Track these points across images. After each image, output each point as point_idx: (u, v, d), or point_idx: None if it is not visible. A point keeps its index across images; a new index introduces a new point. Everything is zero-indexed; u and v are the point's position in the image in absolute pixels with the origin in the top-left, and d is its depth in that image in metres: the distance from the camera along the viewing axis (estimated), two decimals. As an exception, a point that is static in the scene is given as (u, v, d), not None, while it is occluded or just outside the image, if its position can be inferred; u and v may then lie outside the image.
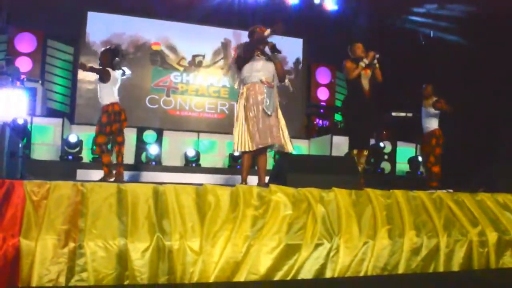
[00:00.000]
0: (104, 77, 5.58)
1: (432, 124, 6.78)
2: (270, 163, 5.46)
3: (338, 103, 12.12)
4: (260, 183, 4.53)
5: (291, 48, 11.34)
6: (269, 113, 4.59)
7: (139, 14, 10.55)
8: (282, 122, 4.77)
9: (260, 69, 4.68)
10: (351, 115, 5.76)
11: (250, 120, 4.59)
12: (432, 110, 6.71)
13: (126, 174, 7.94)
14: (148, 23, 10.70)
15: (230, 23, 10.71)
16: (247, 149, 4.60)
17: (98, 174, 6.24)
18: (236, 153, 5.00)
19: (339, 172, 4.24)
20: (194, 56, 10.98)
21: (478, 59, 8.65)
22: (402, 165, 9.64)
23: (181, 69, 10.86)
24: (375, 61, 5.52)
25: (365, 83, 5.61)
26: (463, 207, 4.02)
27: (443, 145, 6.73)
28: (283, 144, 4.69)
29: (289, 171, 3.98)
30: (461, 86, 8.94)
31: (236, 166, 8.75)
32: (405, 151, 9.76)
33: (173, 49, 10.87)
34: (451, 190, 4.49)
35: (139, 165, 8.33)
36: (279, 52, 4.71)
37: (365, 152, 5.66)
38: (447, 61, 9.41)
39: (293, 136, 10.05)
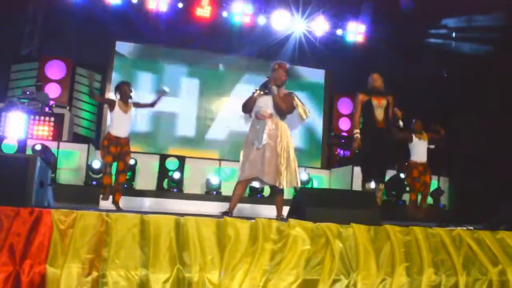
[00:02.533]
0: (109, 107, 6.36)
1: None
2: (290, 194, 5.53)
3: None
4: (278, 217, 4.64)
5: (314, 78, 11.50)
6: (256, 146, 4.74)
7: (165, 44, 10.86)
8: (284, 156, 4.82)
9: (262, 105, 4.92)
10: (361, 147, 5.78)
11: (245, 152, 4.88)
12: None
13: (148, 201, 8.12)
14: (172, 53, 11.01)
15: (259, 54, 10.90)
16: (239, 179, 4.88)
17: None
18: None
19: (358, 207, 4.29)
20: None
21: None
22: (425, 198, 9.59)
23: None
24: (399, 122, 5.56)
25: (379, 113, 5.61)
26: (483, 246, 4.00)
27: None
28: (275, 179, 4.77)
29: (308, 205, 4.04)
30: (484, 115, 8.95)
31: (256, 195, 8.84)
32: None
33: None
34: (471, 228, 4.48)
35: (161, 192, 8.45)
36: (270, 86, 4.88)
37: (381, 186, 5.67)
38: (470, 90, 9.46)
39: (314, 166, 10.23)
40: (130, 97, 6.38)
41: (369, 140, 5.54)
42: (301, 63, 11.51)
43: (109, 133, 6.36)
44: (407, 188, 9.21)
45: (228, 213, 4.70)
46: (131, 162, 7.55)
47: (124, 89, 6.38)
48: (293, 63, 10.44)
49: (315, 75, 12.05)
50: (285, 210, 4.63)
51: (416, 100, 9.32)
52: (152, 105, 6.64)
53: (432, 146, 7.63)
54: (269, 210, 5.12)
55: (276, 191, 4.98)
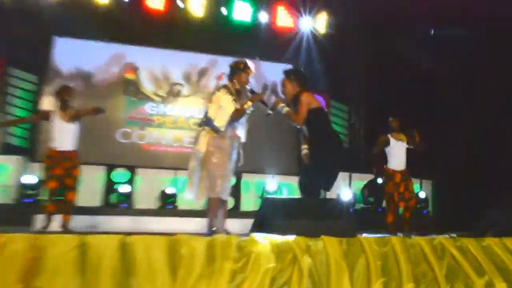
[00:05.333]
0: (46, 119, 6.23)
1: None
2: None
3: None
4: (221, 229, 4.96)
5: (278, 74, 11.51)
6: (232, 164, 5.21)
7: (112, 39, 10.68)
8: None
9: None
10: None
11: None
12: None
13: (93, 219, 7.97)
14: (121, 49, 10.85)
15: (213, 48, 10.86)
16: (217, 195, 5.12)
17: (59, 220, 6.33)
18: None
19: (330, 217, 4.33)
20: (172, 85, 11.13)
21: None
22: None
23: (158, 99, 10.99)
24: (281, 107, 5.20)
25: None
26: (467, 255, 4.08)
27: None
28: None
29: (273, 216, 4.05)
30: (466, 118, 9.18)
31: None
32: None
33: (149, 77, 11.02)
34: (454, 235, 4.57)
35: (108, 208, 8.33)
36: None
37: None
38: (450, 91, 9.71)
39: (284, 172, 10.24)
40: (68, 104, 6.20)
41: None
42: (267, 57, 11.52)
43: (50, 149, 6.14)
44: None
45: (212, 229, 4.88)
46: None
47: (63, 95, 6.23)
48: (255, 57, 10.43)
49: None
50: (249, 223, 4.63)
51: (395, 96, 9.45)
52: (95, 111, 6.32)
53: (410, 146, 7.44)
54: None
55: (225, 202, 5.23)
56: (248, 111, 5.06)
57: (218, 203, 5.00)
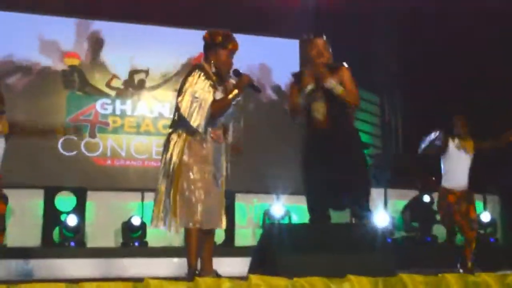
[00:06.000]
0: None
1: None
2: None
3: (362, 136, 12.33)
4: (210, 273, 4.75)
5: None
6: (217, 182, 5.04)
7: (46, 11, 10.68)
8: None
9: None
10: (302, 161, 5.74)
11: None
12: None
13: (28, 264, 7.94)
14: (58, 23, 10.83)
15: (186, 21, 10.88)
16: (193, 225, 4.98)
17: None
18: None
19: (357, 248, 4.31)
20: (133, 73, 11.11)
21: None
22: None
23: (113, 93, 10.96)
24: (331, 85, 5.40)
25: (318, 108, 5.54)
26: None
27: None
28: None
29: (280, 250, 4.04)
30: None
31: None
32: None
33: (98, 62, 11.00)
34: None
35: (49, 248, 8.31)
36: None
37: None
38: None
39: (293, 191, 10.23)
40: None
41: (307, 150, 5.61)
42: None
43: None
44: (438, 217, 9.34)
45: (195, 272, 4.72)
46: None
47: None
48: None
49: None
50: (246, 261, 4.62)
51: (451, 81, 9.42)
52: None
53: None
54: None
55: (211, 235, 5.08)
56: (234, 102, 5.00)
57: (200, 236, 4.97)
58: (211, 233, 5.01)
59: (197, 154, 4.86)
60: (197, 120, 4.76)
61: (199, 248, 4.93)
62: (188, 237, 4.92)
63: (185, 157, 4.85)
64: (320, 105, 5.32)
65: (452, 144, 7.09)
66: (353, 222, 6.98)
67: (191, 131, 4.80)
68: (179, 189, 4.83)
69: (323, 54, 5.39)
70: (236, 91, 4.86)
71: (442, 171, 7.19)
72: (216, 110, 4.83)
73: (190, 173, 4.84)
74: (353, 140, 5.57)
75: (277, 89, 11.32)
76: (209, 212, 4.85)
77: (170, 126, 5.09)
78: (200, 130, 4.77)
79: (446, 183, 7.14)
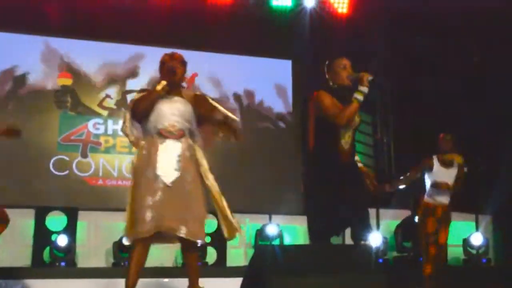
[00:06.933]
0: None
1: None
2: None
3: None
4: None
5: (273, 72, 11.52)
6: (162, 181, 4.79)
7: (38, 31, 10.67)
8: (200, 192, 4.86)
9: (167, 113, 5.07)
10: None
11: None
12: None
13: (18, 284, 7.89)
14: (52, 43, 10.83)
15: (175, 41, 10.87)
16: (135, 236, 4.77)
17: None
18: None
19: (352, 270, 4.29)
20: (125, 93, 11.09)
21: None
22: (455, 249, 9.85)
23: (105, 113, 10.94)
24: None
25: (345, 136, 5.51)
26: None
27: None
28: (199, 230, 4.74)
29: (272, 272, 4.02)
30: None
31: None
32: (459, 228, 9.87)
33: (91, 82, 10.98)
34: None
35: (39, 269, 8.27)
36: None
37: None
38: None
39: (287, 211, 10.20)
40: None
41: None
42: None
43: None
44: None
45: None
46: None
47: None
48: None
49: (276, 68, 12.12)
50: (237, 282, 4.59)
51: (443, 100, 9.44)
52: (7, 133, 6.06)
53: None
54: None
55: (189, 249, 4.84)
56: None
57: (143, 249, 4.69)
58: (191, 248, 4.77)
59: (140, 159, 4.83)
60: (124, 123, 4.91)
61: (140, 265, 4.71)
62: (131, 252, 4.75)
63: (135, 163, 4.86)
64: (348, 135, 5.33)
65: (436, 162, 7.24)
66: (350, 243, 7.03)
67: (125, 135, 4.95)
68: (128, 201, 4.79)
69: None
70: (164, 82, 4.98)
71: (426, 187, 7.32)
72: (135, 106, 4.92)
73: (135, 179, 4.79)
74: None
75: (269, 110, 11.30)
76: (159, 215, 4.61)
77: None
78: (127, 131, 4.88)
79: (430, 198, 7.28)
